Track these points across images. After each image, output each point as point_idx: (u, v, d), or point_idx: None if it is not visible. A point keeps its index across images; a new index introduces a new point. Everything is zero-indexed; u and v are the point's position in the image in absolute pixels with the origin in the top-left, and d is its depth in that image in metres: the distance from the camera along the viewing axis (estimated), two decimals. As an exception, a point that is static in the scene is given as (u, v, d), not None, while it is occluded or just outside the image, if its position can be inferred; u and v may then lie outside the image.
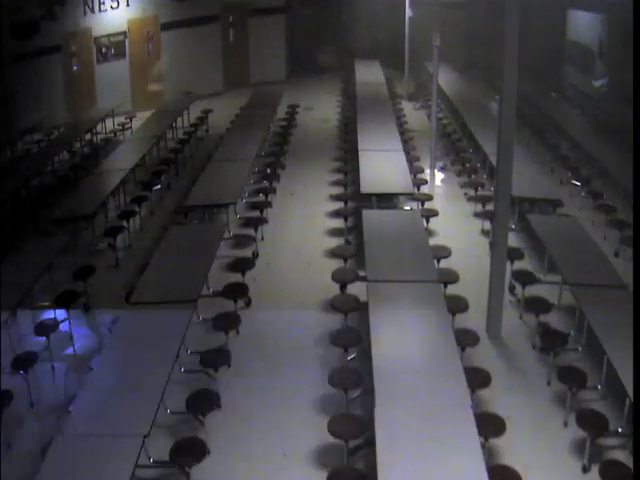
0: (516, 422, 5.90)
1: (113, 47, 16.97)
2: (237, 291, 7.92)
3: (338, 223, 10.27)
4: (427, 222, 9.70)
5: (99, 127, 15.02)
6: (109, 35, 16.83)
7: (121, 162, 11.82)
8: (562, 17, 17.75)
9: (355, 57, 19.54)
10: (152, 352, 6.16)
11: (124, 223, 10.10)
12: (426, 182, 11.29)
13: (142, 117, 15.33)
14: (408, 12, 17.38)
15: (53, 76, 15.51)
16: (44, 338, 7.10)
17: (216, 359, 6.63)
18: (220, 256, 8.73)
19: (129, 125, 15.16)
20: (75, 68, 16.29)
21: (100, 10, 16.47)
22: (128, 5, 16.98)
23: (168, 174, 12.33)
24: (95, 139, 14.68)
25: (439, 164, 12.69)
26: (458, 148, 13.03)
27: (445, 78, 15.70)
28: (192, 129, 14.61)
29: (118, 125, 15.24)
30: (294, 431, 6.20)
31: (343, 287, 8.00)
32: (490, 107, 15.21)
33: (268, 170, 12.01)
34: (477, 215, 10.57)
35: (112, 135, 14.74)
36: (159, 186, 11.69)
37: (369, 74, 17.75)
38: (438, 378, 5.72)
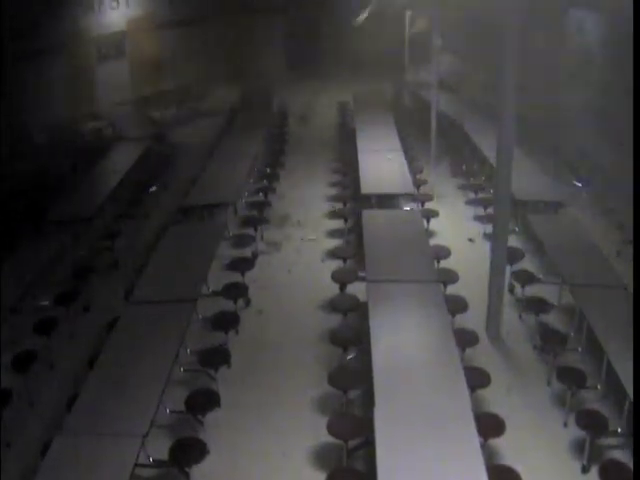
0: (516, 422, 5.88)
1: (113, 46, 16.97)
2: (237, 291, 7.92)
3: (338, 224, 10.27)
4: (427, 222, 9.70)
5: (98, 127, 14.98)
6: (109, 34, 16.82)
7: (120, 162, 11.82)
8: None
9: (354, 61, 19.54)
10: (152, 351, 6.15)
11: (123, 223, 10.09)
12: (426, 182, 11.27)
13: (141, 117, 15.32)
14: (408, 13, 17.35)
15: (53, 76, 15.47)
16: (44, 337, 7.09)
17: (216, 359, 6.63)
18: (220, 256, 8.72)
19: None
20: (75, 68, 16.26)
21: (100, 10, 16.46)
22: (128, 5, 16.98)
23: (167, 174, 12.31)
24: (94, 139, 14.64)
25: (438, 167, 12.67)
26: (458, 150, 13.03)
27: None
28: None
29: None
30: (293, 431, 6.19)
31: (343, 287, 8.00)
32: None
33: (268, 170, 12.01)
34: (477, 216, 10.55)
35: (111, 135, 14.70)
36: (156, 187, 11.68)
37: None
38: (438, 378, 5.72)
